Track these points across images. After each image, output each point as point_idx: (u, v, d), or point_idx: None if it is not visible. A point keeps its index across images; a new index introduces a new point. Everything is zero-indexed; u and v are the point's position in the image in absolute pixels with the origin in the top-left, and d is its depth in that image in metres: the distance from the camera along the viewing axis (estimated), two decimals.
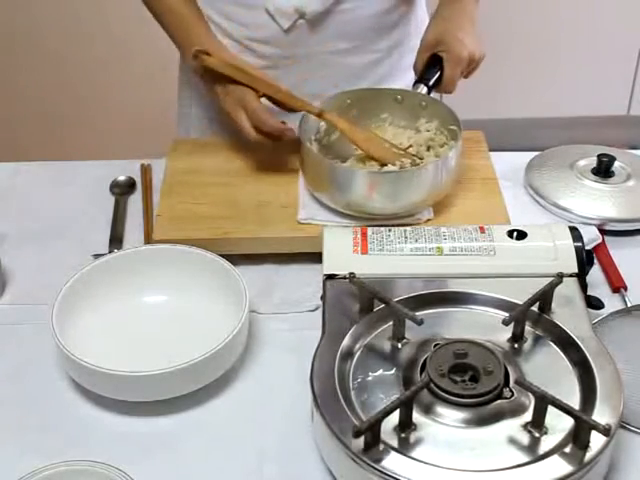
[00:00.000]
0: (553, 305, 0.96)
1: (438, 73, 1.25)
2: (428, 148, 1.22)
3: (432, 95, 1.26)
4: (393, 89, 1.28)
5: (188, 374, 0.94)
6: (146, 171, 1.34)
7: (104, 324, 1.04)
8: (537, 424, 0.83)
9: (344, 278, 0.98)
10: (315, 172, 1.18)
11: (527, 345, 0.94)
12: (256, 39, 1.32)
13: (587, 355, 0.89)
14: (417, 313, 0.92)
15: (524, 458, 0.81)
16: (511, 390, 0.86)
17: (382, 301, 0.94)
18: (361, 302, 0.96)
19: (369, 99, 1.26)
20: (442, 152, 1.20)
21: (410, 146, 1.22)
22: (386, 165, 1.16)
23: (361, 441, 0.80)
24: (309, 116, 1.20)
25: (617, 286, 1.11)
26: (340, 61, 1.35)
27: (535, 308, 0.95)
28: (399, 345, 0.93)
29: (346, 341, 0.92)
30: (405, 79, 1.37)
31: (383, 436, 0.81)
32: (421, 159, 1.19)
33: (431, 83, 1.25)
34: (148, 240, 1.17)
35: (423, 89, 1.25)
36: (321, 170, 1.16)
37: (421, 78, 1.26)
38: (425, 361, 0.88)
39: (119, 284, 1.07)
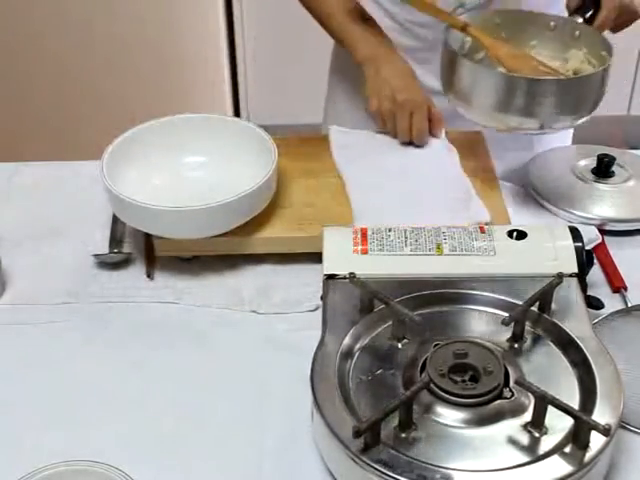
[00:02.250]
0: (553, 305, 0.96)
1: (593, 10, 1.22)
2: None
3: None
4: (548, 15, 1.25)
5: (227, 210, 1.08)
6: None
7: (147, 180, 1.18)
8: (537, 424, 0.83)
9: (344, 278, 0.98)
10: (472, 84, 1.16)
11: (527, 345, 0.94)
12: (416, 22, 1.38)
13: (587, 355, 0.89)
14: (417, 313, 0.92)
15: (524, 458, 0.81)
16: (511, 390, 0.86)
17: (382, 301, 0.94)
18: (361, 302, 0.96)
19: (520, 23, 1.23)
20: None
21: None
22: None
23: (361, 441, 0.80)
24: (453, 32, 1.20)
25: (617, 286, 1.11)
26: None
27: (535, 308, 0.95)
28: (399, 345, 0.93)
29: (346, 341, 0.92)
30: None
31: (383, 436, 0.81)
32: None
33: (587, 16, 1.22)
34: (148, 239, 1.17)
35: (579, 19, 1.22)
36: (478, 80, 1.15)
37: (577, 10, 1.23)
38: (425, 361, 0.88)
39: (161, 146, 1.20)
